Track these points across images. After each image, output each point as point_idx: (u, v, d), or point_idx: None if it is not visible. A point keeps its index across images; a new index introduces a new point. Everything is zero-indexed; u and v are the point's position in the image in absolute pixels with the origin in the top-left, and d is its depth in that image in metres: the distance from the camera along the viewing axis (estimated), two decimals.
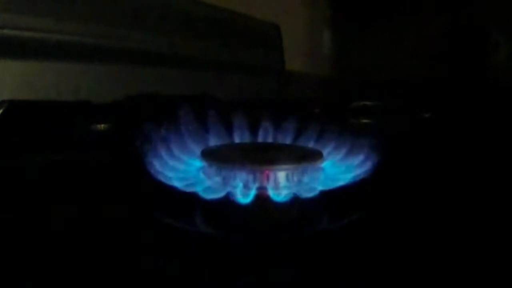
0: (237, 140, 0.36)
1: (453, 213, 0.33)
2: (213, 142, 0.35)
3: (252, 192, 0.28)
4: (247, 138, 0.36)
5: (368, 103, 0.65)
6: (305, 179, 0.30)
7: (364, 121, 0.61)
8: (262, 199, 0.28)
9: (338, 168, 0.33)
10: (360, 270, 0.24)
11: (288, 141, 0.36)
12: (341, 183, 0.31)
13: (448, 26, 1.38)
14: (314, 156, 0.31)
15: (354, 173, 0.31)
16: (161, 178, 0.30)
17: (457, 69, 1.35)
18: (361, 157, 0.32)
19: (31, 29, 0.56)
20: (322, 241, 0.27)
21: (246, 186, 0.28)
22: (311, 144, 0.35)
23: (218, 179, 0.30)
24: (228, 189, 0.28)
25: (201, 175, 0.31)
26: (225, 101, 0.62)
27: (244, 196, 0.28)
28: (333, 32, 1.53)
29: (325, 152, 0.33)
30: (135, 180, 0.34)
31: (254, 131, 0.37)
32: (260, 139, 0.37)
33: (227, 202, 0.28)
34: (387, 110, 0.64)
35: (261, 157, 0.30)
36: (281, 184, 0.29)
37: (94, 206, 0.32)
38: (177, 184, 0.30)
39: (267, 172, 0.29)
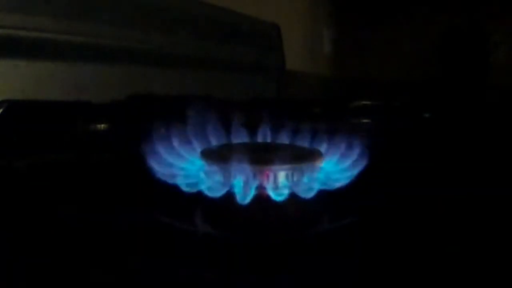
0: (236, 140, 0.36)
1: (453, 212, 0.33)
2: (213, 142, 0.35)
3: (252, 192, 0.28)
4: (246, 138, 0.36)
5: (368, 103, 0.65)
6: (305, 178, 0.30)
7: (364, 121, 0.61)
8: (261, 198, 0.28)
9: (337, 168, 0.33)
10: (359, 270, 0.24)
11: (287, 140, 0.36)
12: (340, 182, 0.31)
13: (448, 26, 1.38)
14: (313, 155, 0.31)
15: (353, 173, 0.31)
16: (161, 177, 0.30)
17: (457, 69, 1.35)
18: (360, 156, 0.32)
19: (31, 29, 0.56)
20: (322, 241, 0.27)
21: (245, 186, 0.28)
22: (310, 144, 0.35)
23: (217, 179, 0.30)
24: (228, 188, 0.28)
25: (201, 175, 0.31)
26: (225, 101, 0.62)
27: (243, 195, 0.28)
28: (333, 32, 1.53)
29: (324, 152, 0.33)
30: (135, 180, 0.34)
31: (253, 131, 0.37)
32: (259, 139, 0.37)
33: (227, 201, 0.28)
34: (387, 110, 0.64)
35: (261, 157, 0.30)
36: (281, 183, 0.29)
37: (94, 206, 0.33)
38: (177, 183, 0.30)
39: (266, 171, 0.29)
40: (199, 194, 0.29)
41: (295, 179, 0.29)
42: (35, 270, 0.24)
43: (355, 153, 0.33)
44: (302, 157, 0.31)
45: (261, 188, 0.29)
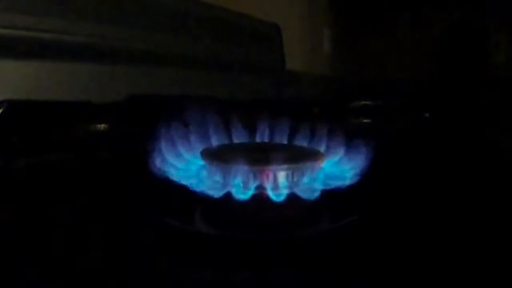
0: (236, 140, 0.36)
1: (453, 212, 0.33)
2: (213, 142, 0.35)
3: (251, 192, 0.28)
4: (246, 138, 0.36)
5: (368, 103, 0.65)
6: (305, 179, 0.30)
7: (364, 121, 0.61)
8: (261, 198, 0.28)
9: (337, 168, 0.33)
10: (359, 270, 0.24)
11: (287, 141, 0.36)
12: (340, 183, 0.31)
13: (448, 26, 1.38)
14: (313, 156, 0.31)
15: (353, 173, 0.31)
16: (161, 177, 0.30)
17: (457, 69, 1.35)
18: (360, 156, 0.32)
19: (31, 29, 0.56)
20: (322, 241, 0.27)
21: (245, 186, 0.28)
22: (310, 144, 0.35)
23: (217, 179, 0.30)
24: (228, 188, 0.28)
25: (201, 175, 0.31)
26: (225, 101, 0.62)
27: (243, 195, 0.28)
28: (333, 32, 1.53)
29: (324, 152, 0.33)
30: (135, 180, 0.34)
31: (253, 131, 0.37)
32: (259, 139, 0.37)
33: (227, 201, 0.28)
34: (387, 110, 0.64)
35: (261, 157, 0.30)
36: (281, 184, 0.29)
37: (94, 206, 0.32)
38: (177, 183, 0.30)
39: (266, 172, 0.29)
40: (199, 194, 0.29)
41: (295, 179, 0.29)
42: (35, 269, 0.24)
43: (355, 153, 0.33)
44: (302, 157, 0.31)
45: (261, 188, 0.28)
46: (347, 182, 0.31)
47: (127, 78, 0.69)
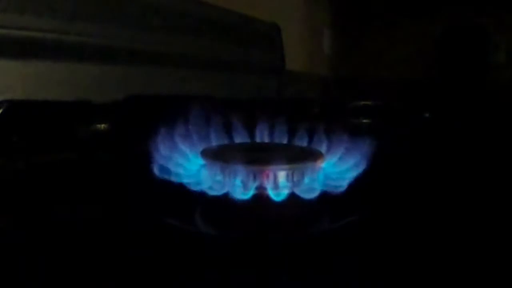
0: (237, 140, 0.36)
1: (453, 212, 0.33)
2: (213, 142, 0.35)
3: (251, 192, 0.28)
4: (246, 138, 0.36)
5: (368, 103, 0.65)
6: (305, 179, 0.30)
7: (364, 121, 0.61)
8: (261, 198, 0.28)
9: (337, 168, 0.33)
10: (359, 270, 0.24)
11: (287, 141, 0.36)
12: (340, 183, 0.31)
13: (448, 26, 1.38)
14: (313, 156, 0.31)
15: (353, 173, 0.31)
16: (161, 177, 0.30)
17: (457, 69, 1.35)
18: (360, 157, 0.32)
19: (31, 29, 0.56)
20: (322, 241, 0.27)
21: (245, 186, 0.28)
22: (310, 144, 0.35)
23: (218, 178, 0.30)
24: (228, 188, 0.28)
25: (201, 175, 0.31)
26: (225, 101, 0.62)
27: (243, 195, 0.28)
28: (333, 32, 1.53)
29: (324, 152, 0.33)
30: (135, 180, 0.34)
31: (254, 131, 0.37)
32: (259, 138, 0.37)
33: (227, 201, 0.28)
34: (387, 110, 0.64)
35: (261, 157, 0.30)
36: (281, 184, 0.29)
37: (93, 206, 0.32)
38: (177, 183, 0.30)
39: (266, 171, 0.29)
40: (199, 193, 0.29)
41: (295, 179, 0.29)
42: (36, 269, 0.24)
43: (355, 153, 0.33)
44: (302, 157, 0.31)
45: (261, 188, 0.28)
46: (347, 182, 0.31)
47: (127, 78, 0.69)
